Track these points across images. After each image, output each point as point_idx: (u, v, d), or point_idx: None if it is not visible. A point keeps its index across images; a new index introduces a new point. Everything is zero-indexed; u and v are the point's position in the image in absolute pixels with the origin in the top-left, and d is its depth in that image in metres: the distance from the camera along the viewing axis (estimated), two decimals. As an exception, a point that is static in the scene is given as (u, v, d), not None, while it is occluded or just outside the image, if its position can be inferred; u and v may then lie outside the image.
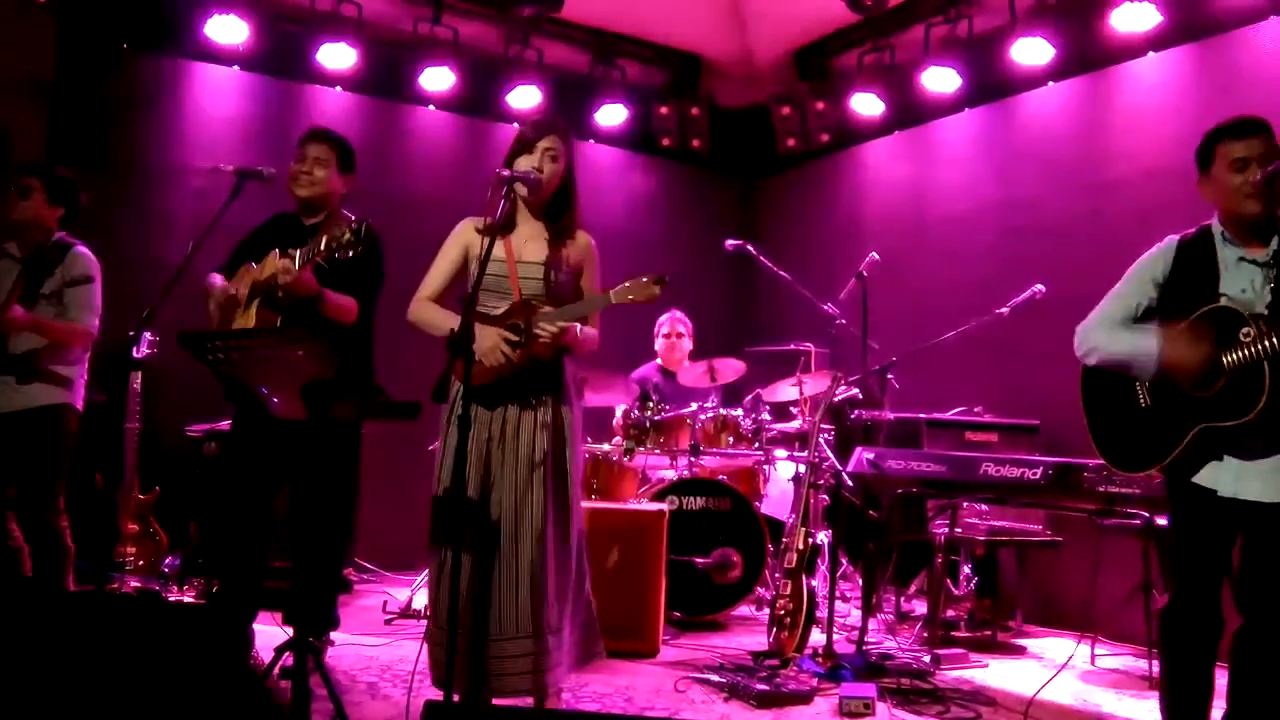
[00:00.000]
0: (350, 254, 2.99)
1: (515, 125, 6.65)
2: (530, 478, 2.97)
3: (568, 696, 3.43)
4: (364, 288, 3.55)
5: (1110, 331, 2.79)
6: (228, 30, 5.58)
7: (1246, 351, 2.47)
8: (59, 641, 2.60)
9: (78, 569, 3.92)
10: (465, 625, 2.85)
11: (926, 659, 4.17)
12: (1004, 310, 4.79)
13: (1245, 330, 2.47)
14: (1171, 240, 2.77)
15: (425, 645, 2.97)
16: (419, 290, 3.15)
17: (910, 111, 6.41)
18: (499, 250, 3.04)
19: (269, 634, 3.41)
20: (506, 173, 3.00)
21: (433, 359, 3.05)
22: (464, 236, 3.17)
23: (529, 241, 3.13)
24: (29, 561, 3.83)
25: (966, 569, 4.90)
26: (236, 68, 5.95)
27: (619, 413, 5.36)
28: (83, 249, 3.88)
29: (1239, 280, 2.59)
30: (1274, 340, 2.43)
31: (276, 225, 3.68)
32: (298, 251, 3.27)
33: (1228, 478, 2.57)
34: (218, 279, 3.60)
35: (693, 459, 5.03)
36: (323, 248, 3.07)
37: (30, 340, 3.74)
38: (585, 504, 4.38)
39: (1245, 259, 2.61)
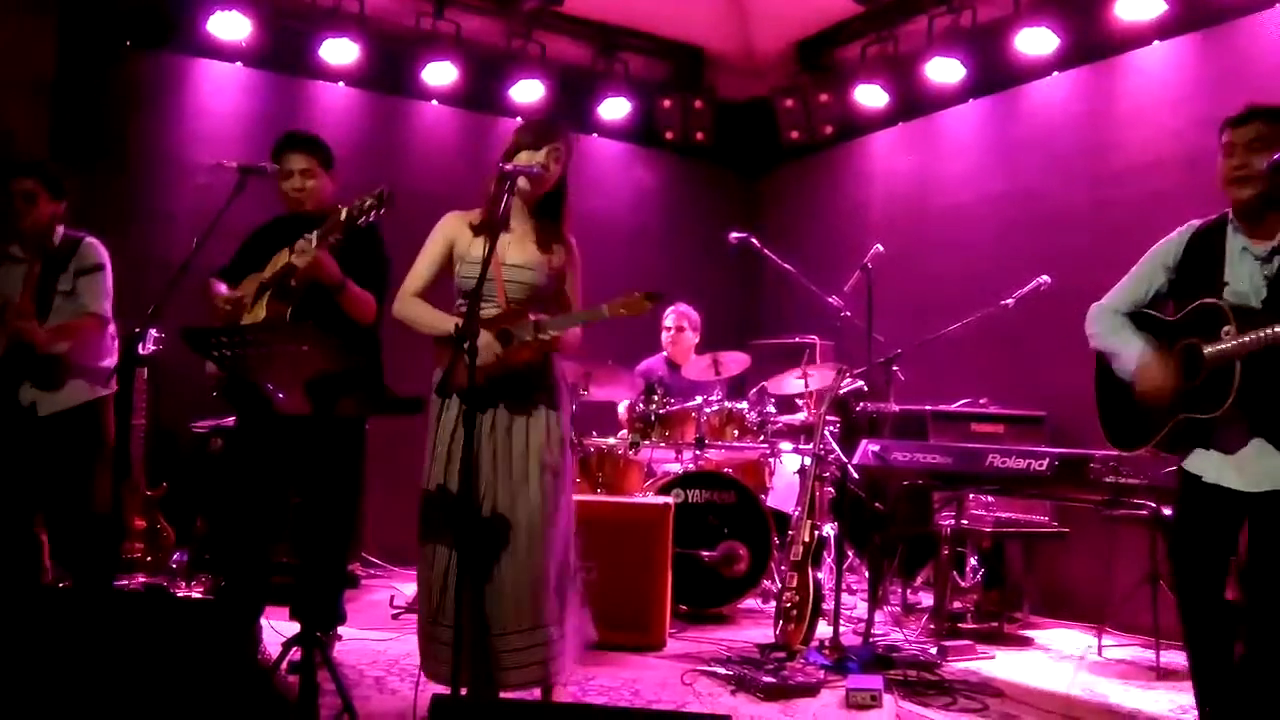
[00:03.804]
0: (373, 217, 2.97)
1: (519, 120, 6.66)
2: (526, 475, 2.96)
3: (574, 690, 3.43)
4: (376, 283, 3.54)
5: (1111, 321, 2.88)
6: (230, 26, 5.58)
7: (1225, 348, 2.54)
8: (68, 637, 2.60)
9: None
10: (467, 621, 2.84)
11: (933, 651, 4.16)
12: (1009, 301, 4.77)
13: (1226, 328, 2.54)
14: (1190, 225, 2.80)
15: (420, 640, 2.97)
16: (404, 286, 3.11)
17: (914, 103, 6.38)
18: (480, 252, 2.97)
19: (276, 629, 3.41)
20: (509, 167, 2.96)
21: (431, 354, 3.06)
22: (449, 231, 3.10)
23: (517, 242, 3.08)
24: (47, 558, 3.88)
25: (973, 561, 4.89)
26: (239, 64, 5.94)
27: (622, 407, 5.36)
28: (92, 239, 3.91)
29: (1240, 271, 2.62)
30: (1246, 339, 2.48)
31: (277, 228, 3.63)
32: (314, 233, 3.23)
33: (1211, 466, 2.65)
34: (221, 287, 3.55)
35: (698, 452, 5.03)
36: (343, 218, 3.06)
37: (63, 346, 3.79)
38: (591, 497, 4.41)
39: (1248, 250, 2.63)
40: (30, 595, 3.31)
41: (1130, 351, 2.77)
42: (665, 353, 5.85)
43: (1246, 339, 2.47)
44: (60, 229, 3.89)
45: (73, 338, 3.78)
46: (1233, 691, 2.63)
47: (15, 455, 3.78)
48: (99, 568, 3.91)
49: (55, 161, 4.03)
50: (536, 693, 3.03)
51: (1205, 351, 2.58)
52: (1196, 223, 2.79)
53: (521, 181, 2.98)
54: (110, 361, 3.99)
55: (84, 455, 3.86)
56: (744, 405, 5.23)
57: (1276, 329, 2.42)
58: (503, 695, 2.95)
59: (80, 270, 3.83)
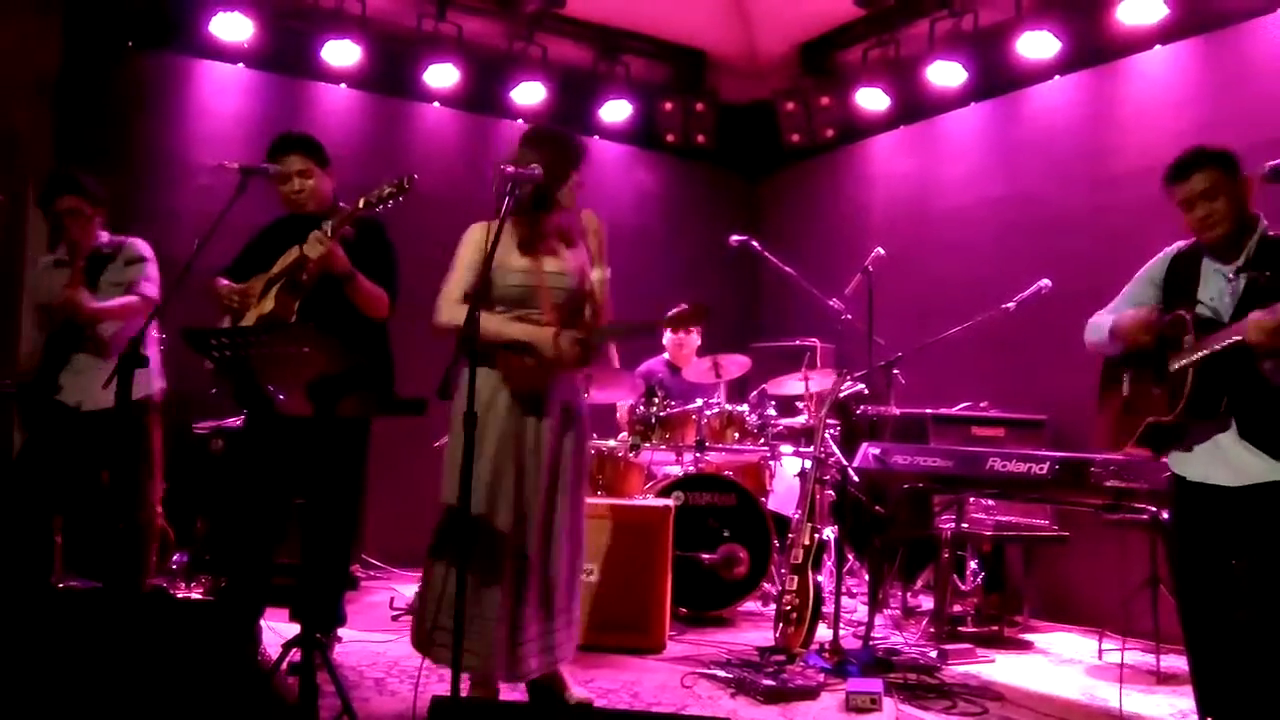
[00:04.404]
0: (391, 204, 3.02)
1: (520, 122, 6.67)
2: (561, 476, 3.13)
3: (575, 692, 3.43)
4: (387, 280, 3.54)
5: (1098, 320, 3.02)
6: (232, 28, 5.59)
7: (1181, 356, 2.69)
8: (68, 638, 2.60)
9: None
10: (508, 612, 2.98)
11: (933, 654, 4.16)
12: (1010, 305, 4.78)
13: (1187, 338, 2.68)
14: (1176, 246, 2.93)
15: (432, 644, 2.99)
16: (447, 293, 3.13)
17: (915, 106, 6.39)
18: (523, 262, 3.12)
19: (276, 630, 3.41)
20: (510, 170, 2.98)
21: (435, 355, 3.05)
22: (480, 240, 3.16)
23: (551, 250, 3.20)
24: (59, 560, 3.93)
25: (973, 564, 4.88)
26: (241, 65, 5.95)
27: (621, 408, 5.35)
28: (134, 238, 4.03)
29: (1211, 289, 2.75)
30: (1198, 349, 2.64)
31: (282, 228, 3.63)
32: (329, 222, 3.25)
33: (1196, 464, 2.74)
34: (225, 283, 3.56)
35: (698, 454, 5.03)
36: (360, 205, 3.08)
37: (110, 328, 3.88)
38: (591, 500, 4.40)
39: (1218, 270, 2.76)
40: (35, 596, 3.32)
41: (1108, 320, 2.92)
42: (666, 355, 5.85)
43: (1198, 350, 2.63)
44: (105, 235, 4.00)
45: (119, 315, 3.85)
46: (1234, 699, 2.63)
47: (45, 452, 3.84)
48: (128, 576, 3.95)
49: (77, 166, 4.11)
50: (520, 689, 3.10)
51: (1170, 359, 2.73)
52: (1182, 244, 2.91)
53: (588, 220, 3.25)
54: (155, 356, 4.07)
55: (123, 457, 3.92)
56: (744, 408, 5.23)
57: (1221, 341, 2.57)
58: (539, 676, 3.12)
59: (128, 261, 3.95)
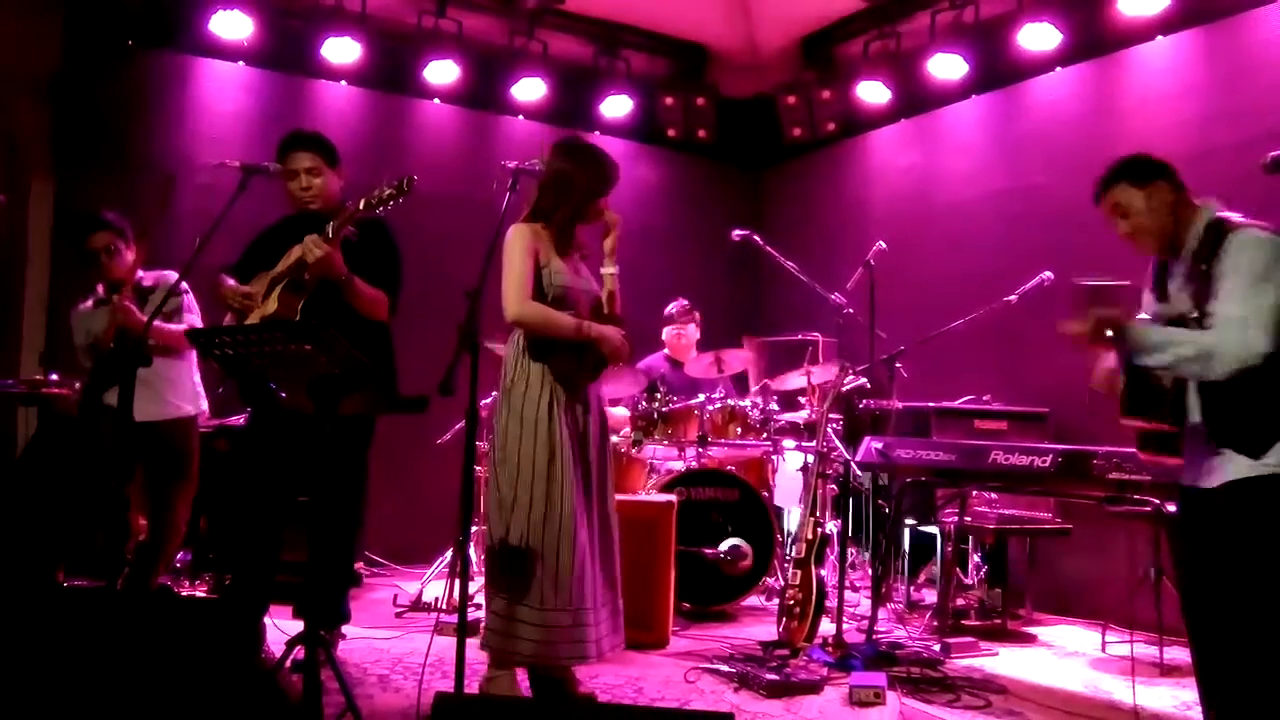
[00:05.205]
0: (391, 205, 3.03)
1: (520, 118, 6.67)
2: (605, 464, 3.29)
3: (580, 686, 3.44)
4: (389, 281, 3.54)
5: None
6: (232, 25, 5.59)
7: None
8: (72, 637, 2.61)
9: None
10: (592, 605, 3.09)
11: (936, 648, 4.16)
12: (1012, 298, 4.77)
13: None
14: None
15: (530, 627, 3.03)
16: (517, 292, 3.13)
17: (917, 99, 6.38)
18: (564, 264, 3.23)
19: (280, 627, 3.42)
20: (512, 164, 3.01)
21: (436, 352, 3.06)
22: (529, 243, 3.19)
23: (577, 258, 3.33)
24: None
25: (976, 558, 4.89)
26: (241, 63, 5.96)
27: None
28: (169, 271, 4.08)
29: (1175, 283, 2.74)
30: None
31: (288, 226, 3.64)
32: (330, 224, 3.26)
33: (1188, 468, 2.69)
34: (231, 282, 3.56)
35: (701, 450, 5.03)
36: (361, 206, 3.08)
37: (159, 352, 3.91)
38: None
39: (1176, 266, 2.75)
40: (40, 593, 3.33)
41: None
42: (667, 349, 5.84)
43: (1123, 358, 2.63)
44: (141, 271, 4.04)
45: (168, 338, 3.89)
46: (1238, 692, 2.63)
47: (58, 454, 3.94)
48: (137, 579, 4.03)
49: (112, 214, 4.14)
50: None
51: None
52: None
53: (610, 217, 3.35)
54: (198, 380, 4.16)
55: (163, 468, 4.02)
56: (747, 403, 5.23)
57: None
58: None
59: (171, 293, 3.97)
